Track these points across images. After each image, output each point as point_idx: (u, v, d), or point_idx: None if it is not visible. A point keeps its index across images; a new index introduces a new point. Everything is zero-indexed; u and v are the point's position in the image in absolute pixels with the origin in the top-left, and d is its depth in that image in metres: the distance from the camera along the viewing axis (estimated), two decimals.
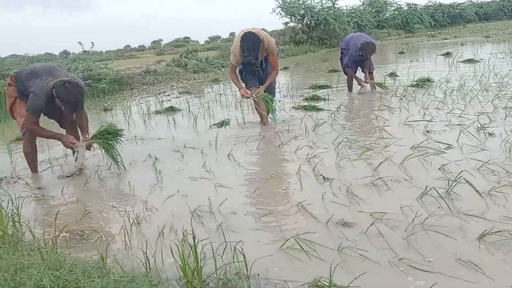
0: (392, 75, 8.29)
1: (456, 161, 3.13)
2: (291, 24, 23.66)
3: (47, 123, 4.33)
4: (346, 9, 26.19)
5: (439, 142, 3.66)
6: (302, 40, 21.75)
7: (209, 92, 8.95)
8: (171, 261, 2.09)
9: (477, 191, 2.54)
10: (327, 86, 7.78)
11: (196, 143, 4.52)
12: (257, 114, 5.25)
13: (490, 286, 1.76)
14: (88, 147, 3.89)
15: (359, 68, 6.75)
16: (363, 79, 6.67)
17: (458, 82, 6.45)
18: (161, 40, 39.09)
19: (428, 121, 4.40)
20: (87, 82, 10.02)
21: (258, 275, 1.94)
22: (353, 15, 26.19)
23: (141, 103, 8.07)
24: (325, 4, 22.99)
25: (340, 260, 2.02)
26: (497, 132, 3.78)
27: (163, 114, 6.65)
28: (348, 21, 24.04)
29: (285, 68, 13.10)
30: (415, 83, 6.84)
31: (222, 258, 2.06)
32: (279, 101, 6.68)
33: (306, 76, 10.45)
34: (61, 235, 2.50)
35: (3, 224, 2.42)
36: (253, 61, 4.65)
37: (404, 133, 4.08)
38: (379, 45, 19.83)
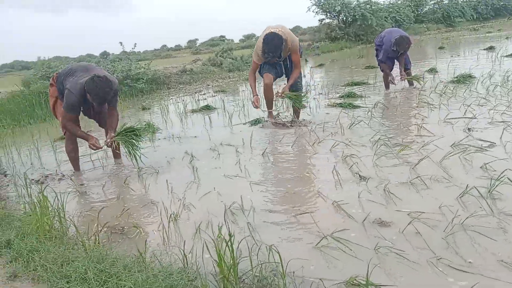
0: (432, 71, 8.05)
1: (499, 159, 3.02)
2: (327, 20, 23.44)
3: (88, 122, 4.50)
4: (383, 4, 25.67)
5: (481, 140, 3.53)
6: (338, 36, 21.52)
7: (243, 90, 9.01)
8: (207, 257, 2.14)
9: None
10: (363, 83, 7.66)
11: (232, 141, 4.57)
12: (291, 112, 5.25)
13: None
14: (111, 145, 3.97)
15: (396, 64, 6.62)
16: (398, 75, 6.54)
17: (502, 77, 6.19)
18: (196, 39, 39.78)
19: (469, 118, 4.26)
20: (126, 82, 10.32)
21: (294, 273, 1.95)
22: (390, 10, 25.63)
23: (178, 102, 8.24)
24: None
25: (376, 259, 2.00)
26: None
27: (199, 112, 6.75)
28: (385, 17, 23.57)
29: (321, 65, 13.00)
30: (455, 79, 6.62)
31: (257, 255, 2.08)
32: (315, 98, 6.65)
33: (342, 73, 10.32)
34: (103, 230, 2.60)
35: (50, 219, 2.54)
36: (275, 60, 4.66)
37: (444, 131, 3.97)
38: (418, 41, 19.36)
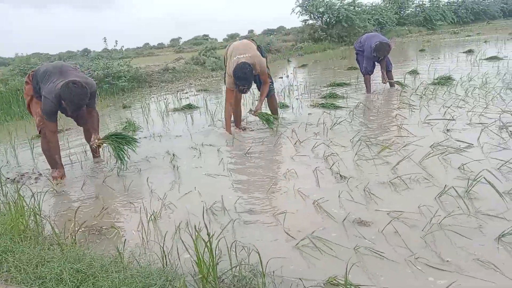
0: (413, 72, 8.16)
1: (476, 160, 3.07)
2: (310, 21, 23.54)
3: (67, 120, 4.41)
4: (366, 6, 25.92)
5: (460, 141, 3.58)
6: (321, 37, 21.64)
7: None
8: (187, 257, 2.11)
9: (497, 191, 2.49)
10: (346, 84, 7.71)
11: (214, 141, 4.55)
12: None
13: (508, 286, 1.73)
14: (98, 147, 3.92)
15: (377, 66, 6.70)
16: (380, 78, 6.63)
17: (481, 80, 6.31)
18: (180, 38, 39.39)
19: (448, 119, 4.33)
20: (107, 79, 10.18)
21: (273, 272, 1.94)
22: (373, 12, 25.89)
23: (160, 101, 8.16)
24: (345, 1, 22.84)
25: (356, 259, 2.00)
26: None
27: (181, 111, 6.70)
28: (368, 19, 23.81)
29: (304, 66, 13.04)
30: (436, 81, 6.73)
31: (237, 255, 2.07)
32: (297, 98, 6.67)
33: (324, 74, 10.38)
34: (80, 230, 2.55)
35: (25, 218, 2.48)
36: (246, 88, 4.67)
37: (424, 132, 4.02)
38: (400, 42, 19.60)
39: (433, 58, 10.91)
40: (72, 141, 5.19)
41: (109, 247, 2.35)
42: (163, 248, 2.10)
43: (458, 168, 3.00)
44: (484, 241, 2.06)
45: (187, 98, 8.27)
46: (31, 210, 2.56)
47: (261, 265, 1.89)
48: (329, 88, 7.50)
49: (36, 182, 3.76)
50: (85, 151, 4.54)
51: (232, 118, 5.00)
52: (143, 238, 2.41)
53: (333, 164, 3.32)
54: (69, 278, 1.84)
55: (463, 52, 11.46)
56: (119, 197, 3.20)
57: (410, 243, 2.09)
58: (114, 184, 3.49)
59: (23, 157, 4.65)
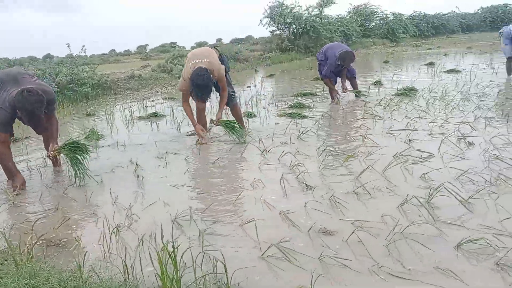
0: (377, 83, 8.38)
1: (436, 170, 3.16)
2: (278, 32, 23.81)
3: (26, 129, 4.25)
4: (332, 18, 26.48)
5: (421, 151, 3.69)
6: (288, 48, 21.92)
7: None
8: (150, 269, 2.06)
9: (457, 199, 2.57)
10: (312, 94, 7.82)
11: (180, 150, 4.49)
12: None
13: None
14: (55, 157, 3.79)
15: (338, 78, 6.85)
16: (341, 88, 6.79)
17: (441, 91, 6.55)
18: (147, 45, 38.96)
19: (410, 130, 4.45)
20: (70, 86, 9.90)
21: (238, 284, 1.92)
22: (339, 23, 26.50)
23: (125, 109, 8.01)
24: (312, 12, 23.28)
25: (321, 269, 2.01)
26: (477, 142, 3.84)
27: (147, 120, 6.60)
28: (334, 30, 24.34)
29: (271, 75, 13.15)
30: (399, 92, 6.93)
31: (202, 267, 2.04)
32: (265, 108, 6.71)
33: (291, 84, 10.49)
34: (38, 243, 2.44)
35: None
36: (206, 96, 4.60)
37: (387, 142, 4.12)
38: (364, 54, 20.12)
39: (396, 70, 11.25)
40: (32, 150, 5.00)
41: (68, 261, 2.26)
42: (125, 261, 2.04)
43: (420, 177, 3.08)
44: (444, 249, 2.11)
45: (153, 106, 8.16)
46: None
47: (226, 277, 1.86)
48: (296, 98, 7.59)
49: None
50: (45, 160, 4.38)
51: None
52: (104, 251, 2.33)
53: (299, 174, 3.34)
54: None
55: (425, 65, 11.88)
56: (81, 209, 3.09)
57: (374, 252, 2.12)
58: (75, 195, 3.37)
59: None
